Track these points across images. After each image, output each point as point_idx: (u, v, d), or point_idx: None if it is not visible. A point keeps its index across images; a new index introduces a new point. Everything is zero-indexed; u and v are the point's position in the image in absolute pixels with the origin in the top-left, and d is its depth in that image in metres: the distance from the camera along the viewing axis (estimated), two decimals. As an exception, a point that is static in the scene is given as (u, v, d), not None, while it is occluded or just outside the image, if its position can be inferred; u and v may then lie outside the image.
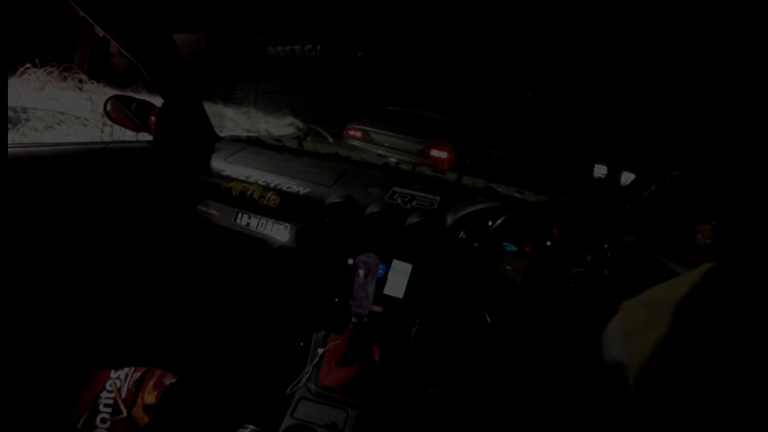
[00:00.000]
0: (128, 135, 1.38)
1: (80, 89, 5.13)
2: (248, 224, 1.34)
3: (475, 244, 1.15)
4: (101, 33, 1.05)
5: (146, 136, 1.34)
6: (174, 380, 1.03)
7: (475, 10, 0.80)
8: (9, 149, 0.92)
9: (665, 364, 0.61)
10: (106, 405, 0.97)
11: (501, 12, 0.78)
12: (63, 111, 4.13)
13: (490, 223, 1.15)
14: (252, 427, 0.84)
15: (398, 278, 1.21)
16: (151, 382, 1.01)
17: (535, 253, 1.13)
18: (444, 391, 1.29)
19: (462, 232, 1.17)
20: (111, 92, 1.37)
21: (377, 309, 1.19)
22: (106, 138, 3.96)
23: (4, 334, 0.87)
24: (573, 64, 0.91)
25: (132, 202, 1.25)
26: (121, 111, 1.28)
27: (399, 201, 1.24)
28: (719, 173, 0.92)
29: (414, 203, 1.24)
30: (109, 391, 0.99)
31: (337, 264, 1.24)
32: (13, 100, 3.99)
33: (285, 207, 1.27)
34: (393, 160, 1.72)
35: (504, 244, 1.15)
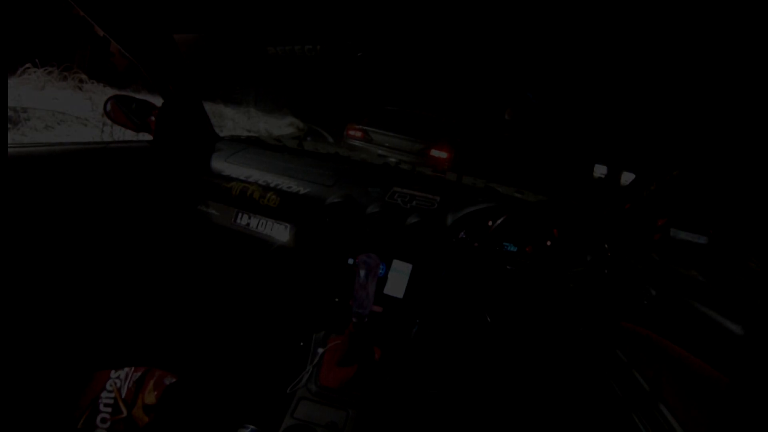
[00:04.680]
0: (128, 135, 1.38)
1: (80, 89, 5.13)
2: (248, 224, 1.34)
3: (475, 244, 1.15)
4: (101, 33, 1.05)
5: (146, 136, 1.34)
6: (174, 380, 1.03)
7: (475, 9, 0.80)
8: (9, 149, 0.92)
9: None
10: (106, 405, 0.97)
11: (503, 11, 0.78)
12: (63, 111, 4.12)
13: (490, 223, 1.15)
14: (252, 427, 0.84)
15: (398, 278, 1.20)
16: (151, 382, 1.01)
17: (535, 253, 1.13)
18: (444, 391, 1.29)
19: (462, 232, 1.17)
20: (111, 92, 1.37)
21: (377, 309, 1.19)
22: (106, 138, 3.96)
23: (5, 334, 0.87)
24: (574, 64, 0.91)
25: (132, 202, 1.25)
26: (121, 111, 1.28)
27: (399, 201, 1.24)
28: (719, 173, 0.92)
29: (414, 203, 1.24)
30: (110, 391, 0.99)
31: (337, 264, 1.24)
32: (13, 100, 3.98)
33: (285, 207, 1.27)
34: (393, 160, 1.72)
35: (504, 244, 1.15)
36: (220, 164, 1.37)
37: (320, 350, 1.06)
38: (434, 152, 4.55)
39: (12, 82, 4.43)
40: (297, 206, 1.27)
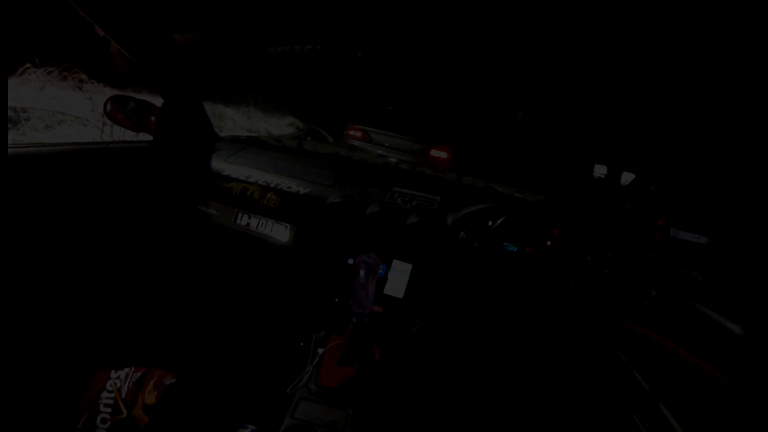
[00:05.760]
0: (128, 135, 1.38)
1: (80, 89, 5.12)
2: (248, 224, 1.34)
3: (475, 244, 1.15)
4: (101, 33, 1.05)
5: (146, 136, 1.34)
6: (174, 380, 1.03)
7: (476, 9, 0.80)
8: (9, 149, 0.92)
9: None
10: (106, 405, 0.97)
11: (503, 12, 0.78)
12: (63, 111, 4.12)
13: (490, 223, 1.15)
14: (252, 427, 0.84)
15: (398, 278, 1.21)
16: (151, 383, 1.01)
17: (535, 253, 1.13)
18: (444, 391, 1.29)
19: (462, 232, 1.17)
20: (111, 92, 1.36)
21: (377, 309, 1.19)
22: (106, 138, 3.96)
23: (5, 334, 0.87)
24: (574, 64, 0.91)
25: (132, 202, 1.25)
26: (121, 111, 1.28)
27: (399, 201, 1.24)
28: (719, 173, 0.92)
29: (414, 203, 1.24)
30: (110, 392, 0.99)
31: (337, 264, 1.24)
32: (13, 100, 3.98)
33: (285, 207, 1.27)
34: (393, 160, 1.72)
35: (504, 244, 1.15)
36: (220, 164, 1.37)
37: (320, 350, 1.06)
38: (434, 152, 4.55)
39: (12, 82, 4.43)
40: (297, 206, 1.27)
